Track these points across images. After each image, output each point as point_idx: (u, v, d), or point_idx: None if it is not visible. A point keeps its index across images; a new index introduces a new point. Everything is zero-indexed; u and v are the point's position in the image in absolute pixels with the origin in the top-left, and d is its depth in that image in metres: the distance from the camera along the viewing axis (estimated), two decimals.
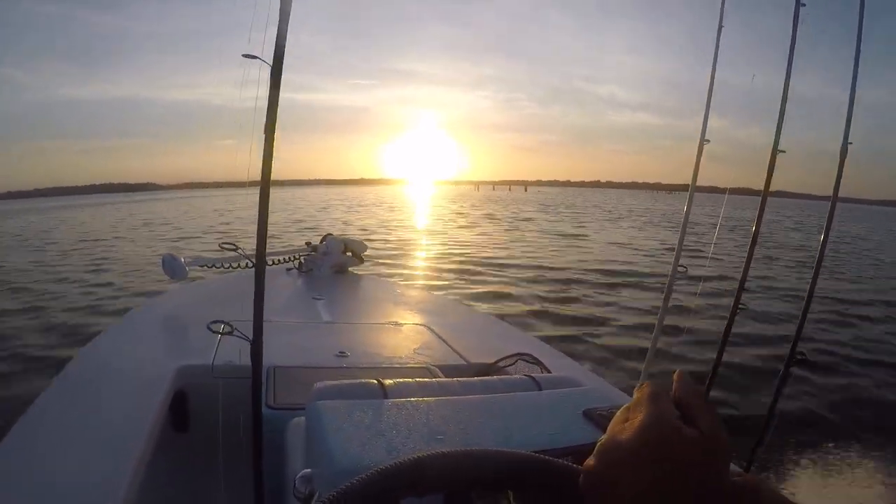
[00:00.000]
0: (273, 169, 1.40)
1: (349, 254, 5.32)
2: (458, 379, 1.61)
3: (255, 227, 1.69)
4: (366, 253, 5.54)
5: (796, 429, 3.90)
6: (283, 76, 1.31)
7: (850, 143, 2.23)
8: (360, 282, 5.18)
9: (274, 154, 1.37)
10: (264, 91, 1.34)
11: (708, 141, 2.38)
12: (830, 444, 3.90)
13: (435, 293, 5.70)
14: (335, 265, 5.17)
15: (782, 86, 2.21)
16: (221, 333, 1.61)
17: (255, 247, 1.81)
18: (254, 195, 1.45)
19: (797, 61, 2.17)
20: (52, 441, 1.87)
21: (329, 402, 1.03)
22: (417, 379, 1.37)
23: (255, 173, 1.38)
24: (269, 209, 1.57)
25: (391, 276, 10.81)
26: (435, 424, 0.99)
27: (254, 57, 1.35)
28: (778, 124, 2.20)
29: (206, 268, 4.55)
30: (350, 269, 5.34)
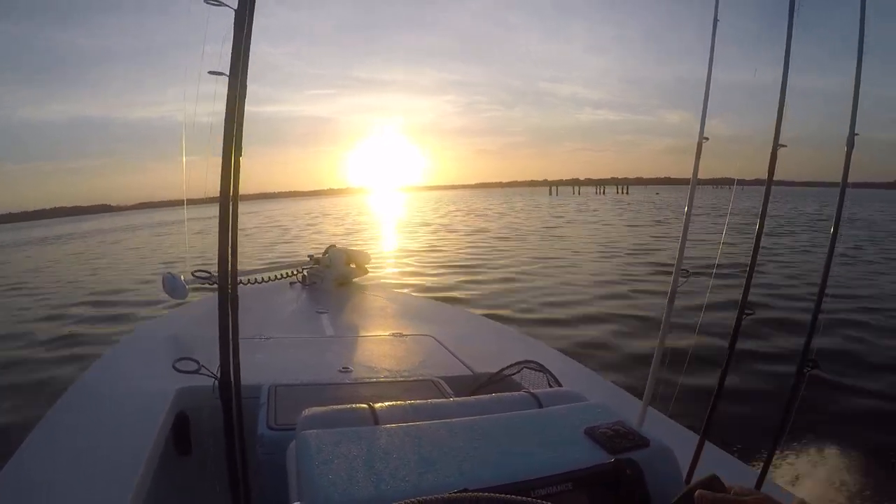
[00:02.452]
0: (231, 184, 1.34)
1: (352, 265, 5.29)
2: (455, 399, 1.54)
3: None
4: (369, 264, 5.50)
5: (810, 436, 3.81)
6: (235, 88, 1.26)
7: (857, 133, 2.13)
8: (365, 293, 5.15)
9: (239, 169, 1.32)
10: (233, 106, 1.29)
11: (706, 139, 2.29)
12: (844, 451, 3.79)
13: (440, 302, 5.64)
14: (338, 277, 5.15)
15: (780, 79, 2.13)
16: (187, 372, 1.54)
17: (248, 264, 1.73)
18: (214, 211, 1.39)
19: (795, 57, 2.09)
20: (55, 467, 1.86)
21: (317, 433, 0.98)
22: (410, 402, 1.30)
23: (215, 190, 1.31)
24: (229, 227, 1.49)
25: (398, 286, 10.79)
26: (427, 452, 0.94)
27: (220, 73, 1.29)
28: (778, 119, 2.11)
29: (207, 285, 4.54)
30: (354, 280, 5.32)
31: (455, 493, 0.72)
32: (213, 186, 1.28)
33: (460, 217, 38.88)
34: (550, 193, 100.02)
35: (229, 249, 1.40)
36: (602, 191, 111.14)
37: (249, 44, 1.25)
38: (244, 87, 1.29)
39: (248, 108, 1.33)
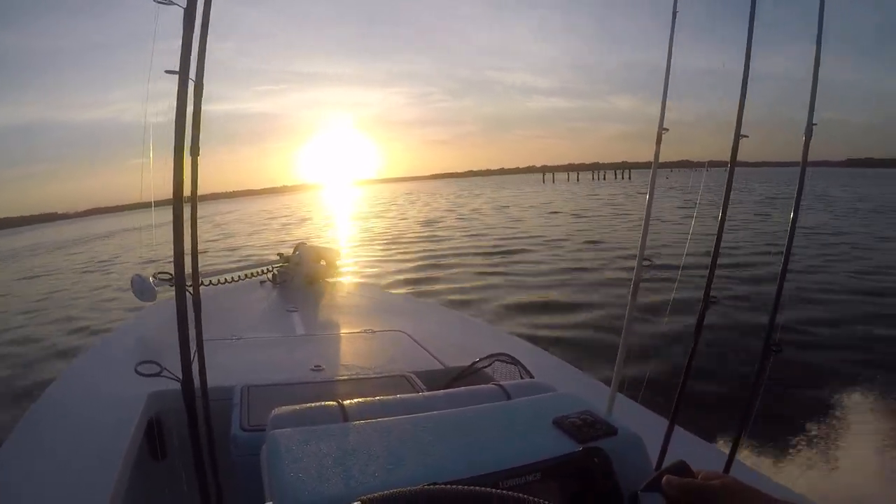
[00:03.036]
0: (191, 184, 1.32)
1: (322, 262, 5.26)
2: (423, 393, 1.54)
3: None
4: (339, 261, 5.47)
5: (777, 417, 3.90)
6: (185, 87, 1.24)
7: (815, 123, 2.17)
8: (335, 290, 5.13)
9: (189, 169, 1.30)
10: (184, 106, 1.26)
11: (667, 130, 2.31)
12: (811, 429, 3.90)
13: (411, 296, 5.65)
14: (308, 275, 5.11)
15: (742, 69, 2.16)
16: (150, 375, 1.52)
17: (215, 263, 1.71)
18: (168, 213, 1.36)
19: (757, 46, 2.12)
20: (28, 480, 1.83)
21: (286, 431, 0.98)
22: (379, 398, 1.30)
23: (169, 191, 1.29)
24: (183, 228, 1.46)
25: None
26: (395, 448, 0.94)
27: (175, 73, 1.27)
28: (739, 110, 2.14)
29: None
30: (324, 277, 5.29)
31: (424, 486, 0.73)
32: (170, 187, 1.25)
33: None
34: (544, 181, 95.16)
35: (184, 249, 1.38)
36: (602, 176, 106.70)
37: (206, 41, 1.23)
38: (200, 84, 1.27)
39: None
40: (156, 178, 1.32)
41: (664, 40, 2.30)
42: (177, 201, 1.28)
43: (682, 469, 0.80)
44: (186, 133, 1.27)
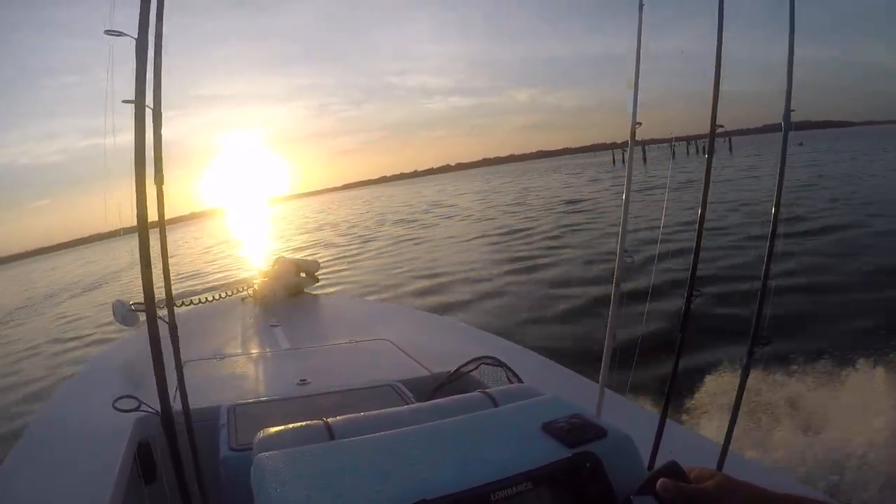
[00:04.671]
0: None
1: (302, 274, 5.22)
2: (409, 406, 1.54)
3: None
4: (318, 272, 5.44)
5: (768, 406, 3.93)
6: (143, 116, 1.20)
7: (793, 109, 2.16)
8: (317, 302, 5.10)
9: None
10: (142, 134, 1.22)
11: (640, 124, 2.30)
12: (802, 417, 3.93)
13: (393, 304, 5.63)
14: (289, 287, 5.07)
15: (714, 56, 2.15)
16: (128, 411, 1.50)
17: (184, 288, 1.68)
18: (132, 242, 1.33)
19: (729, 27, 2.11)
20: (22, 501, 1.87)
21: (272, 455, 0.96)
22: (364, 413, 1.28)
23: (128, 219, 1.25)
24: (149, 256, 1.43)
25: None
26: (383, 464, 0.93)
27: (130, 101, 1.23)
28: (714, 98, 2.13)
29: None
30: (305, 289, 5.25)
31: None
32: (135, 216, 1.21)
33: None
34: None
35: (151, 278, 1.35)
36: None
37: (160, 71, 1.19)
38: (159, 112, 1.24)
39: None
40: (111, 209, 1.28)
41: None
42: (142, 230, 1.25)
43: (673, 470, 0.81)
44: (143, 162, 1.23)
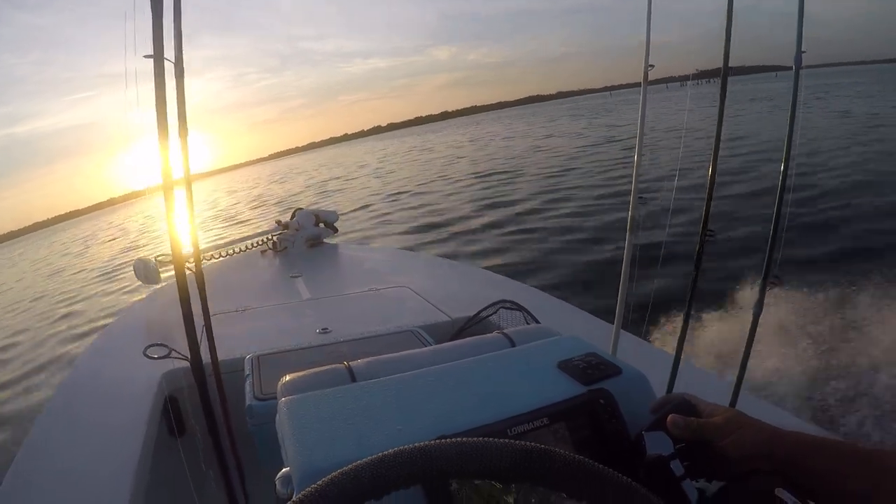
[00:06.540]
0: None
1: (322, 225, 5.26)
2: (428, 347, 1.58)
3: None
4: (337, 222, 5.47)
5: (778, 346, 3.96)
6: (162, 70, 1.23)
7: (804, 51, 2.13)
8: (337, 252, 5.13)
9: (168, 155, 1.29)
10: (163, 89, 1.25)
11: (652, 66, 2.27)
12: (813, 357, 3.97)
13: (412, 251, 5.66)
14: (309, 239, 5.11)
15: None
16: (158, 358, 1.55)
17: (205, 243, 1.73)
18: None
19: None
20: (56, 461, 1.93)
21: (295, 398, 0.99)
22: (386, 355, 1.31)
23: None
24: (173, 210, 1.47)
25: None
26: (404, 403, 0.96)
27: (150, 56, 1.26)
28: (725, 48, 2.11)
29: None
30: (325, 240, 5.29)
31: (433, 440, 0.74)
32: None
33: None
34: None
35: (177, 231, 1.39)
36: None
37: (180, 25, 1.21)
38: (181, 65, 1.26)
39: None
40: (139, 167, 1.32)
41: None
42: (167, 184, 1.29)
43: (683, 405, 0.82)
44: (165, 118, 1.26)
